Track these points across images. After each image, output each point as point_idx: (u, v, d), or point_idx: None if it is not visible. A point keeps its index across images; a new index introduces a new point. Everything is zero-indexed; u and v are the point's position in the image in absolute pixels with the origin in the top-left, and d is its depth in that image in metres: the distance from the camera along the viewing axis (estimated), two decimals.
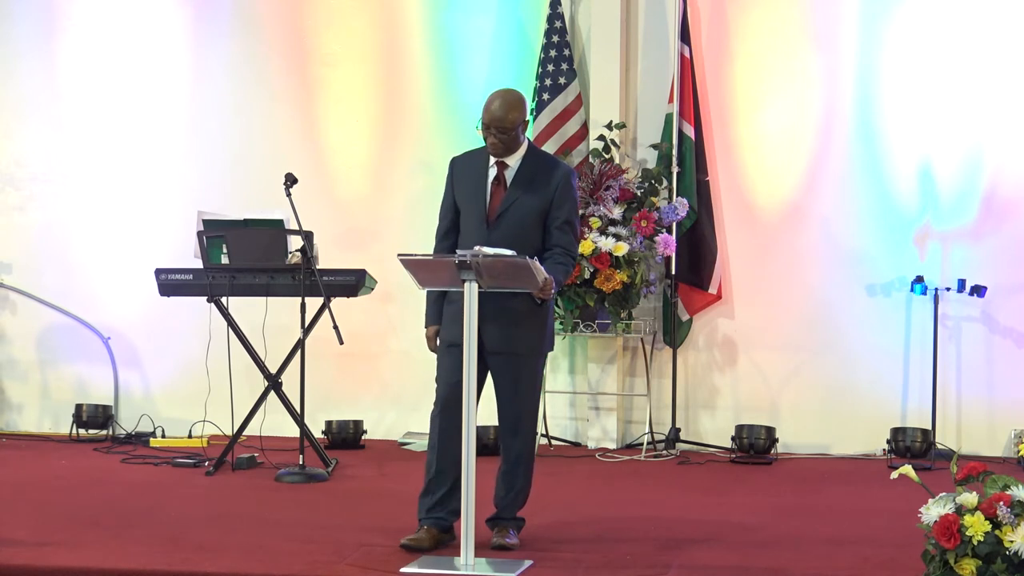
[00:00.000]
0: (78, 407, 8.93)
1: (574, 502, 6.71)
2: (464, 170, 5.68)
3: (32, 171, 9.30)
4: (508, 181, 5.57)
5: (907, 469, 4.67)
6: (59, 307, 9.23)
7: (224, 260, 7.61)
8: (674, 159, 8.38)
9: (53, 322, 9.26)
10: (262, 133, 9.06)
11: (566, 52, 8.54)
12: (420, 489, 5.62)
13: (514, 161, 5.58)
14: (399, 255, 5.33)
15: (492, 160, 5.60)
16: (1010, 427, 8.20)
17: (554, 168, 5.63)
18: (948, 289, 8.14)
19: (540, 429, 8.29)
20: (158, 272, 7.77)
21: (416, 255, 5.41)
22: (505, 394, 5.58)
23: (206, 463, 7.58)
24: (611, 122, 8.42)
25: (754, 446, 8.20)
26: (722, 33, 8.62)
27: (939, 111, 8.31)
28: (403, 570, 5.16)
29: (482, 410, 5.54)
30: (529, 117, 5.62)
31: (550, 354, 5.72)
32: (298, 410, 7.46)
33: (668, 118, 8.47)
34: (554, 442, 8.55)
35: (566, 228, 5.58)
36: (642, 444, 8.33)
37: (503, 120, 5.47)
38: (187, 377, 8.58)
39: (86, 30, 9.25)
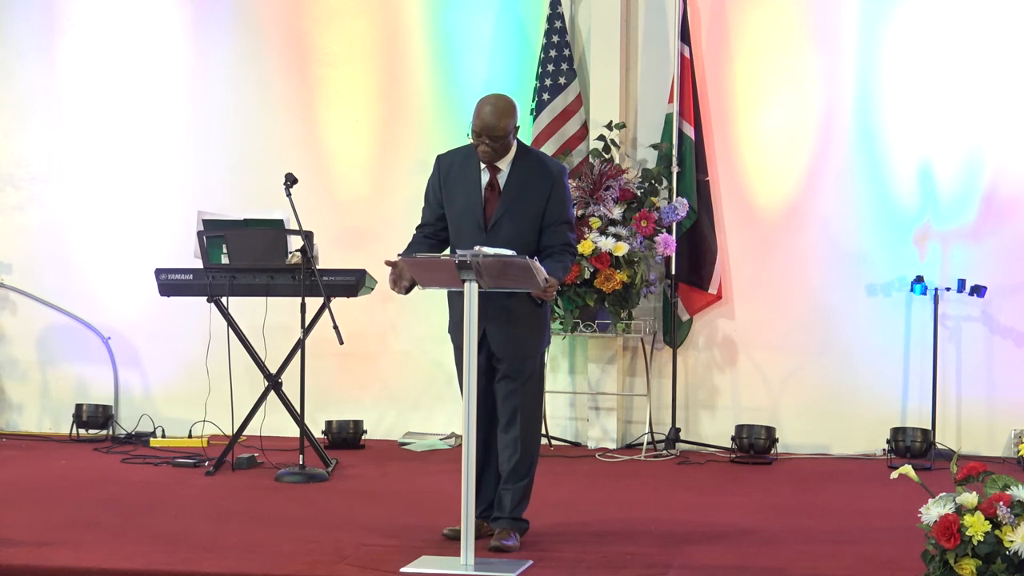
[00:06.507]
0: (78, 407, 8.94)
1: (574, 502, 6.70)
2: (452, 171, 5.64)
3: (32, 171, 9.30)
4: (501, 186, 5.55)
5: (907, 469, 4.67)
6: (59, 307, 9.23)
7: (224, 260, 7.61)
8: (674, 159, 8.38)
9: (53, 322, 9.26)
10: (262, 133, 9.06)
11: (566, 52, 8.54)
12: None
13: (505, 164, 5.55)
14: (399, 255, 5.32)
15: (483, 164, 5.57)
16: (1010, 427, 8.20)
17: (546, 168, 5.61)
18: (948, 289, 8.14)
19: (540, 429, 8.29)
20: (158, 272, 7.77)
21: (416, 255, 5.41)
22: (507, 392, 5.60)
23: (206, 463, 7.58)
24: (611, 122, 8.42)
25: (754, 446, 8.20)
26: (722, 33, 8.61)
27: (939, 111, 8.31)
28: (403, 570, 5.15)
29: None
30: (521, 123, 5.58)
31: (550, 354, 5.72)
32: (298, 410, 7.46)
33: (668, 118, 8.46)
34: (554, 442, 8.55)
35: (563, 226, 5.58)
36: (642, 444, 8.32)
37: (495, 128, 5.44)
38: (187, 377, 8.59)
39: (86, 30, 9.26)
